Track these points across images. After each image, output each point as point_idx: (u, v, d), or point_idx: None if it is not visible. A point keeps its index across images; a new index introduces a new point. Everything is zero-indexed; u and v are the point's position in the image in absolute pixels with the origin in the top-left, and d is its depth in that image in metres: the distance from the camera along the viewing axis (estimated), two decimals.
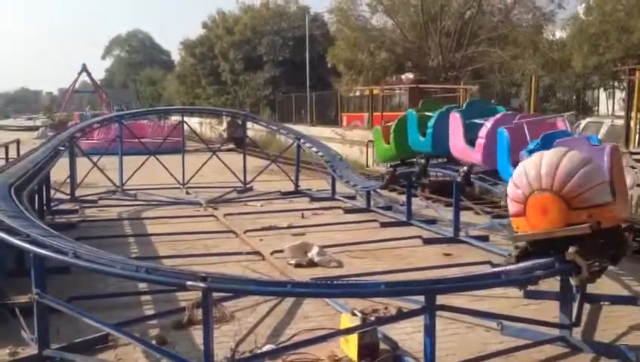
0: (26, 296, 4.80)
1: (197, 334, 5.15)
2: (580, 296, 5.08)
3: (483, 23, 27.56)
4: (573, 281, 4.48)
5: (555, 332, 5.09)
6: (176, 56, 68.68)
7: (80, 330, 5.07)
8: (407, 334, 5.15)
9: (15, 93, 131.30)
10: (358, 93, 29.95)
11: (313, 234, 9.41)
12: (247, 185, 14.89)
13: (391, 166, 10.59)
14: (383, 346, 4.81)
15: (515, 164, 5.44)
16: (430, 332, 4.04)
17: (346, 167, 13.11)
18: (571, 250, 4.21)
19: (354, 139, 24.39)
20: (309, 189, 14.41)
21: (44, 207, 10.45)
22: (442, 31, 26.88)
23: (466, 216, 10.15)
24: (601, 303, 5.74)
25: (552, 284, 5.20)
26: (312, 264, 7.62)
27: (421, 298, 4.17)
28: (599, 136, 11.13)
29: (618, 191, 4.54)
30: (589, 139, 5.32)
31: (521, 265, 4.43)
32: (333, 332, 4.72)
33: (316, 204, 12.67)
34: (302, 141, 14.74)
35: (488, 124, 7.51)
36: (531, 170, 4.41)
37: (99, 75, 77.35)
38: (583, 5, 24.43)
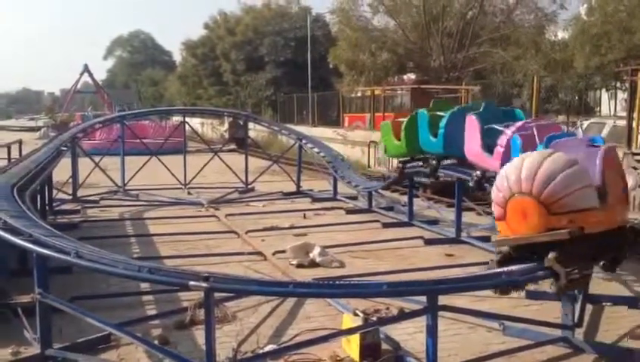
0: (29, 296, 4.82)
1: (199, 334, 5.15)
2: (582, 296, 5.06)
3: (485, 23, 27.58)
4: (551, 289, 4.26)
5: (558, 332, 5.08)
6: (177, 57, 68.99)
7: (82, 330, 5.07)
8: (409, 334, 5.15)
9: (17, 93, 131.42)
10: (359, 94, 29.94)
11: (315, 235, 9.41)
12: (249, 186, 14.90)
13: (400, 162, 10.53)
14: (384, 346, 4.81)
15: None
16: (432, 332, 4.04)
17: (348, 168, 13.11)
18: (550, 256, 4.08)
19: (355, 139, 24.38)
20: (311, 190, 14.42)
21: (47, 207, 10.47)
22: (444, 31, 26.89)
23: (467, 217, 10.14)
24: (603, 304, 5.72)
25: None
26: (313, 264, 7.62)
27: (423, 298, 4.17)
28: (602, 136, 11.10)
29: (612, 195, 4.37)
30: (592, 140, 5.18)
31: (524, 266, 4.33)
32: (335, 333, 4.72)
33: (318, 205, 12.67)
34: (303, 141, 14.75)
35: (508, 132, 7.25)
36: (512, 174, 4.30)
37: (101, 75, 77.65)
38: (585, 6, 24.44)
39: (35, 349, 4.77)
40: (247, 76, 42.95)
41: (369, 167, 18.65)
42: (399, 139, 10.01)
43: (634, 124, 13.55)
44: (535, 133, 6.67)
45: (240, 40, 43.31)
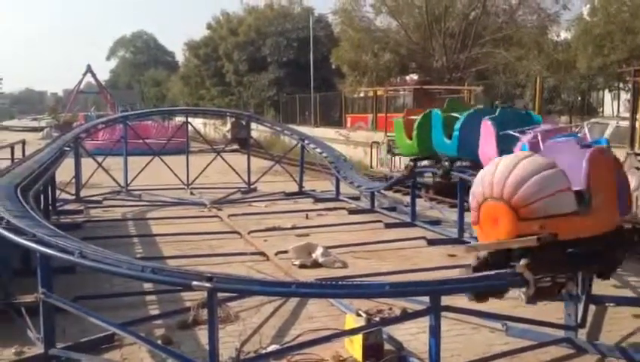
0: (32, 296, 4.83)
1: (202, 334, 5.16)
2: (585, 297, 5.06)
3: (487, 23, 27.54)
4: (521, 297, 4.11)
5: (560, 333, 5.08)
6: (180, 57, 68.95)
7: (86, 330, 5.09)
8: (412, 335, 5.16)
9: (20, 93, 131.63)
10: (362, 95, 29.92)
11: (317, 235, 9.41)
12: (252, 186, 14.92)
13: (411, 160, 10.47)
14: (387, 347, 4.82)
15: None
16: (435, 332, 4.04)
17: (350, 168, 13.12)
18: (522, 262, 3.92)
19: (358, 140, 24.38)
20: (313, 190, 14.42)
21: (50, 207, 10.50)
22: (446, 32, 26.86)
23: (470, 217, 10.12)
24: (606, 304, 5.72)
25: None
26: (316, 264, 7.63)
27: (426, 298, 4.17)
28: (605, 137, 11.06)
29: (599, 199, 4.20)
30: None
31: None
32: (338, 333, 4.73)
33: (320, 205, 12.68)
34: (306, 142, 14.76)
35: (525, 140, 7.21)
36: (486, 177, 4.17)
37: (103, 75, 78.04)
38: (588, 6, 24.39)
39: (38, 349, 4.79)
40: (250, 76, 42.96)
41: (371, 167, 18.66)
42: (411, 138, 9.86)
43: (637, 125, 13.52)
44: (539, 138, 6.58)
45: (242, 40, 43.31)
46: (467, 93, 22.17)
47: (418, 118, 9.88)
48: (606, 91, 25.19)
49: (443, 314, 4.14)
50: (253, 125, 20.53)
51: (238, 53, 43.33)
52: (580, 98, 25.01)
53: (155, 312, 5.95)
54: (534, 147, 6.50)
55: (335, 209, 12.17)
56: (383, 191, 12.26)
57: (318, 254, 7.78)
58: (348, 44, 28.16)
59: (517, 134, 7.17)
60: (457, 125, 8.60)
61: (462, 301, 5.09)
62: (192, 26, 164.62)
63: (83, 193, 13.17)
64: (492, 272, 4.11)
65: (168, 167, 14.97)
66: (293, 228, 10.17)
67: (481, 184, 4.21)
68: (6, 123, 64.47)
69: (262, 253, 8.26)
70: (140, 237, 9.54)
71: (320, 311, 5.92)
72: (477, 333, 5.36)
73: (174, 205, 12.83)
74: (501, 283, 4.14)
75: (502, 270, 4.12)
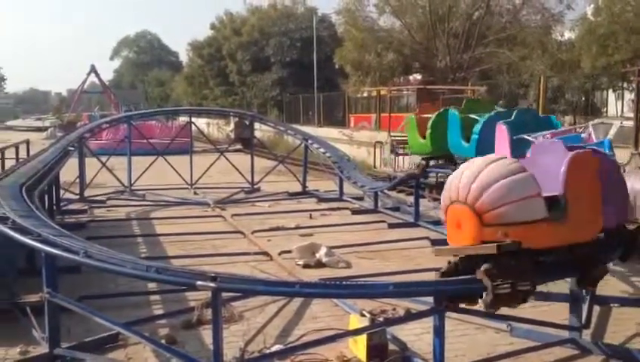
0: (37, 295, 4.85)
1: (206, 334, 5.17)
2: (590, 297, 5.05)
3: (491, 23, 27.49)
4: (480, 304, 3.95)
5: (565, 334, 5.08)
6: (184, 57, 69.06)
7: (90, 329, 5.10)
8: (416, 335, 5.15)
9: (24, 93, 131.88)
10: (365, 94, 29.92)
11: (321, 235, 9.42)
12: (255, 186, 14.93)
13: (423, 159, 10.34)
14: (391, 347, 4.82)
15: None
16: (439, 333, 4.04)
17: (354, 168, 13.11)
18: (483, 267, 3.80)
19: (361, 140, 24.37)
20: (317, 190, 14.43)
21: (54, 207, 10.52)
22: (450, 32, 26.83)
23: None
24: (611, 305, 5.71)
25: (562, 286, 5.18)
26: (320, 264, 7.64)
27: (430, 299, 4.17)
28: (609, 137, 11.03)
29: (577, 206, 4.00)
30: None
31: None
32: (342, 333, 4.73)
33: (324, 205, 12.68)
34: (309, 142, 14.76)
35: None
36: (454, 180, 4.03)
37: (107, 75, 77.92)
38: (592, 6, 24.34)
39: (43, 348, 4.81)
40: (253, 76, 42.99)
41: (375, 167, 18.64)
42: (424, 137, 9.60)
43: None
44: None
45: (246, 40, 43.34)
46: (471, 93, 22.13)
47: (432, 116, 9.59)
48: (610, 91, 25.15)
49: (447, 314, 4.14)
50: (257, 125, 20.55)
51: (241, 53, 43.36)
52: (583, 98, 24.96)
53: (159, 312, 5.96)
54: None
55: (339, 209, 12.17)
56: (386, 191, 12.26)
57: (321, 254, 7.78)
58: (351, 44, 28.15)
59: (531, 138, 7.10)
60: (477, 128, 8.31)
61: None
62: (196, 26, 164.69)
63: (87, 193, 13.20)
64: (457, 278, 4.00)
65: (172, 166, 14.99)
66: (297, 228, 10.18)
67: (449, 186, 4.09)
68: (10, 123, 64.65)
69: (265, 253, 8.27)
70: (143, 237, 9.57)
71: (324, 311, 5.92)
72: (481, 334, 5.36)
73: (178, 205, 12.85)
74: (462, 289, 4.01)
75: (467, 276, 3.99)
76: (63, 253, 4.46)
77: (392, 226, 10.28)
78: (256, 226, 10.15)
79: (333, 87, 35.58)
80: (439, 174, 9.96)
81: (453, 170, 9.22)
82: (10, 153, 13.25)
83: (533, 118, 8.23)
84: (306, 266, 7.58)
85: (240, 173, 15.17)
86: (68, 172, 12.43)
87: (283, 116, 38.88)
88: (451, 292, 4.00)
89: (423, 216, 10.62)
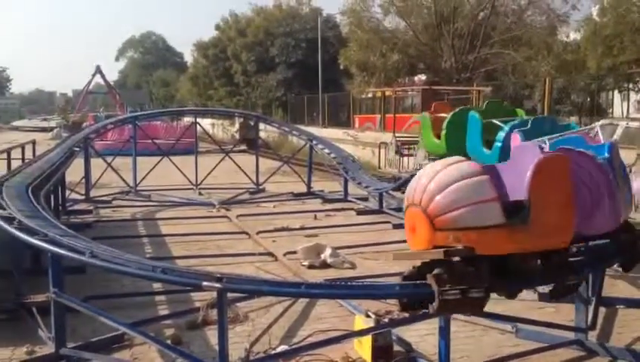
0: (44, 295, 4.87)
1: (211, 334, 5.18)
2: (596, 299, 5.03)
3: (496, 24, 27.45)
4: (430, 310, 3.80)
5: (571, 335, 5.06)
6: (188, 58, 69.25)
7: (96, 329, 5.12)
8: (421, 336, 5.15)
9: (30, 94, 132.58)
10: (370, 95, 29.94)
11: (326, 236, 9.42)
12: (260, 187, 14.94)
13: (433, 159, 10.27)
14: (397, 348, 4.81)
15: None
16: (445, 334, 4.03)
17: (359, 169, 13.11)
18: (433, 272, 3.69)
19: (366, 140, 24.38)
20: (322, 191, 14.42)
21: (60, 207, 10.55)
22: (455, 32, 26.80)
23: None
24: (617, 307, 5.69)
25: None
26: (324, 265, 7.63)
27: None
28: (615, 138, 10.96)
29: (542, 212, 3.77)
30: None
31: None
32: (347, 334, 4.73)
33: (329, 206, 12.68)
34: (314, 142, 14.76)
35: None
36: (413, 182, 3.93)
37: (112, 76, 78.37)
38: (597, 7, 24.29)
39: (49, 348, 4.82)
40: (258, 77, 43.08)
41: (379, 168, 18.64)
42: (438, 137, 9.29)
43: None
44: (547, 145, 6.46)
45: (251, 41, 43.44)
46: (476, 94, 22.11)
47: (448, 116, 9.31)
48: (615, 92, 25.09)
49: (452, 315, 4.13)
50: (262, 125, 20.56)
51: (246, 54, 43.45)
52: (589, 99, 24.91)
53: (165, 312, 5.97)
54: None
55: (343, 209, 12.17)
56: (391, 192, 12.24)
57: (326, 255, 7.78)
58: (356, 44, 28.16)
59: (540, 144, 6.95)
60: (500, 136, 7.90)
61: None
62: (201, 27, 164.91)
63: (92, 193, 13.23)
64: (405, 282, 3.90)
65: (177, 167, 15.02)
66: (302, 228, 10.18)
67: (408, 189, 3.98)
68: (16, 123, 64.86)
69: (270, 254, 8.27)
70: (149, 238, 9.59)
71: (329, 311, 5.92)
72: (486, 335, 5.34)
73: (183, 205, 12.88)
74: (410, 292, 3.90)
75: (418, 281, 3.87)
76: (69, 253, 4.47)
77: (396, 227, 10.24)
78: (261, 227, 10.16)
79: (338, 88, 35.62)
80: None
81: None
82: (16, 153, 13.30)
83: (551, 125, 7.89)
84: (311, 267, 7.59)
85: (245, 173, 15.19)
86: (74, 172, 12.46)
87: (288, 117, 38.95)
88: (400, 297, 3.89)
89: None
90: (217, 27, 49.93)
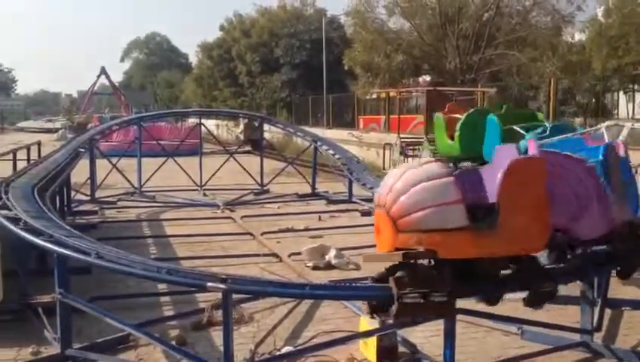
0: (49, 296, 4.88)
1: (216, 335, 5.18)
2: (602, 300, 5.02)
3: (501, 25, 27.37)
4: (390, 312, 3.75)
5: (576, 337, 5.04)
6: (193, 59, 69.30)
7: (101, 330, 5.13)
8: (426, 338, 5.14)
9: (35, 95, 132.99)
10: (374, 96, 29.92)
11: (330, 237, 9.42)
12: (264, 188, 14.95)
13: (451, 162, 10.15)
14: (402, 349, 4.82)
15: None
16: (450, 335, 4.02)
17: (363, 170, 13.09)
18: (398, 274, 3.64)
19: (371, 141, 24.38)
20: (326, 192, 14.42)
21: (65, 208, 10.58)
22: (460, 33, 26.75)
23: None
24: (623, 308, 5.67)
25: (573, 289, 5.16)
26: (329, 266, 7.64)
27: None
28: (620, 139, 10.90)
29: (512, 217, 3.65)
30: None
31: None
32: (352, 335, 4.73)
33: (333, 207, 12.68)
34: (319, 143, 14.77)
35: None
36: (382, 184, 3.86)
37: (117, 77, 78.33)
38: (602, 7, 24.22)
39: (55, 349, 4.84)
40: (263, 78, 43.10)
41: (384, 168, 18.63)
42: (452, 138, 9.12)
43: None
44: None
45: (255, 42, 43.47)
46: (480, 95, 22.08)
47: (462, 117, 9.17)
48: (621, 93, 25.01)
49: (457, 316, 4.12)
50: (266, 126, 20.60)
51: (250, 55, 43.48)
52: (594, 100, 24.83)
53: (170, 313, 5.99)
54: None
55: (348, 211, 12.16)
56: None
57: (331, 256, 7.78)
58: (361, 45, 28.13)
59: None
60: (523, 145, 7.93)
61: (477, 304, 5.08)
62: (206, 28, 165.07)
63: (98, 194, 13.26)
64: (372, 285, 3.87)
65: (182, 168, 15.05)
66: (306, 229, 10.18)
67: (377, 190, 3.93)
68: (21, 124, 65.07)
69: (275, 255, 8.28)
70: (154, 238, 9.61)
71: (334, 313, 5.92)
72: (491, 337, 5.34)
73: (188, 206, 12.90)
74: (362, 295, 3.90)
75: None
76: (74, 253, 4.48)
77: None
78: (265, 228, 10.16)
79: (343, 89, 35.60)
80: None
81: None
82: (21, 154, 13.35)
83: (571, 132, 7.80)
84: (315, 268, 7.59)
85: (249, 174, 15.20)
86: (79, 173, 12.50)
87: (292, 118, 38.95)
88: (361, 299, 3.86)
89: None
90: (222, 28, 49.97)
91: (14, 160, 11.36)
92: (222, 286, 3.84)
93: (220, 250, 8.68)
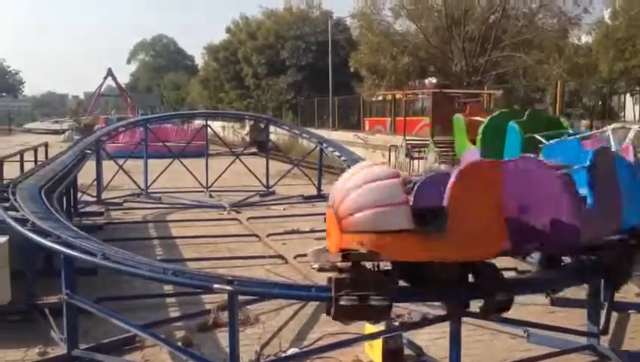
0: (56, 297, 4.90)
1: (222, 336, 5.19)
2: (608, 304, 4.99)
3: (507, 27, 27.29)
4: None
5: (583, 340, 5.03)
6: (199, 61, 69.39)
7: (108, 331, 5.15)
8: (432, 340, 5.13)
9: (42, 96, 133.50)
10: (380, 98, 29.92)
11: None
12: (270, 189, 14.96)
13: None
14: (407, 352, 4.81)
15: None
16: (456, 338, 4.02)
17: None
18: (342, 275, 3.61)
19: (376, 143, 24.37)
20: None
21: (72, 209, 10.62)
22: (466, 35, 26.70)
23: None
24: (629, 312, 5.65)
25: (579, 292, 5.14)
26: (335, 268, 7.61)
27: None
28: (627, 142, 10.80)
29: (462, 221, 3.53)
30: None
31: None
32: (358, 337, 4.72)
33: None
34: (324, 145, 14.77)
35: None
36: (334, 184, 3.79)
37: (124, 79, 78.63)
38: (609, 10, 24.15)
39: (61, 349, 4.86)
40: (269, 80, 43.17)
41: None
42: (473, 142, 8.86)
43: None
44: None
45: (261, 44, 43.55)
46: (487, 97, 22.04)
47: (485, 120, 8.93)
48: (627, 95, 24.92)
49: (463, 319, 4.12)
50: (272, 128, 20.62)
51: (256, 57, 43.56)
52: (600, 102, 24.75)
53: (176, 314, 6.00)
54: None
55: None
56: None
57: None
58: (367, 47, 28.12)
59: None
60: (545, 155, 7.61)
61: None
62: (212, 30, 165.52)
63: (104, 195, 13.31)
64: (314, 285, 3.85)
65: (188, 169, 15.08)
66: (312, 231, 10.16)
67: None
68: (28, 125, 65.39)
69: (280, 256, 8.29)
70: (160, 240, 9.64)
71: None
72: (497, 339, 5.32)
73: (194, 208, 12.92)
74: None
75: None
76: (81, 254, 4.50)
77: None
78: (271, 229, 10.18)
79: (348, 91, 35.61)
80: None
81: None
82: (29, 156, 13.42)
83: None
84: (321, 270, 7.54)
85: (255, 176, 15.22)
86: (85, 175, 12.55)
87: (298, 119, 39.00)
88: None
89: None
90: (228, 30, 50.08)
91: (22, 161, 11.42)
92: (228, 287, 3.85)
93: (226, 252, 8.70)
